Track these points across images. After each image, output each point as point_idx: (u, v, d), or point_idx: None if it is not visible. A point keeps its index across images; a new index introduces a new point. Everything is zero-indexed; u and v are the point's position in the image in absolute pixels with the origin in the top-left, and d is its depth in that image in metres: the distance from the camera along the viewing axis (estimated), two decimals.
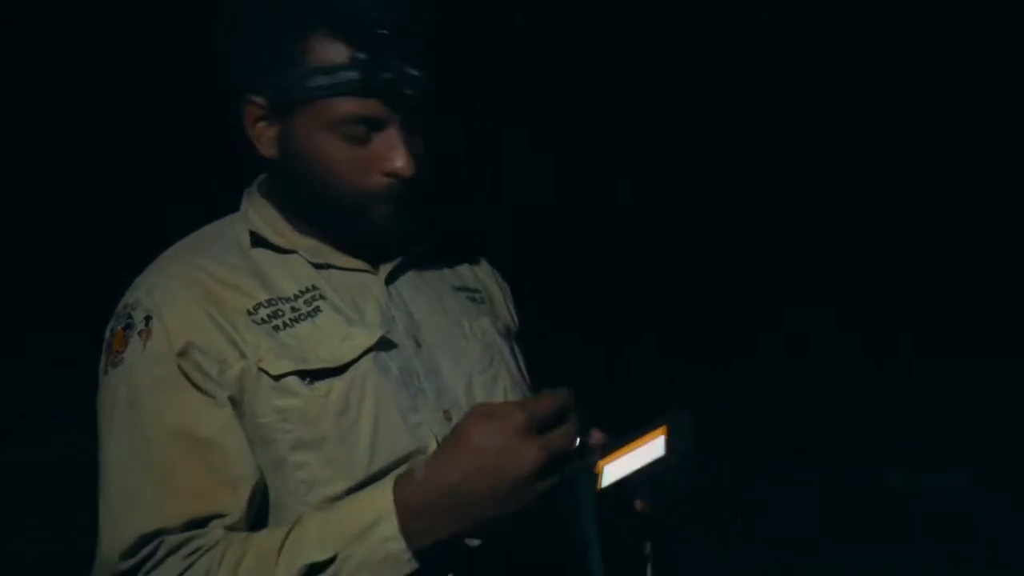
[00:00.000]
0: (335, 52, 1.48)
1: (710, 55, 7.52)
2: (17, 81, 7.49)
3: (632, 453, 1.46)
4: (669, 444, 1.43)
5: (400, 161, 1.52)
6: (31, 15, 7.35)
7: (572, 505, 1.38)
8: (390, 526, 1.36)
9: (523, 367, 1.73)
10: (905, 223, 7.57)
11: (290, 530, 1.41)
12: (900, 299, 7.52)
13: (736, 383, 6.73)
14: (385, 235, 1.58)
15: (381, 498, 1.38)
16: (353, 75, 1.48)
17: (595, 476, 1.40)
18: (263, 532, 1.44)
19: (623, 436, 1.51)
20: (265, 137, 1.57)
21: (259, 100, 1.55)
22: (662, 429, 1.45)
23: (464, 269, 1.77)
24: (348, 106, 1.50)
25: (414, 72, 1.49)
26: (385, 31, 1.47)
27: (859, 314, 7.48)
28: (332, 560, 1.37)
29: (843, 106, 7.59)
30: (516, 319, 1.81)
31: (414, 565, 1.36)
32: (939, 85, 7.41)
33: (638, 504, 1.43)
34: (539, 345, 1.80)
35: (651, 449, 1.45)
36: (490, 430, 1.35)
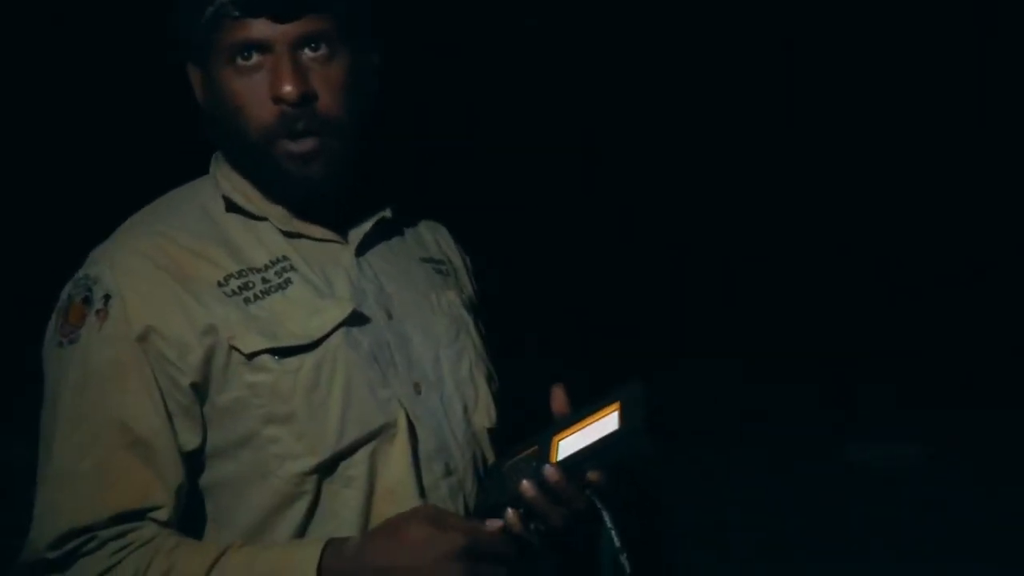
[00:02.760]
0: None
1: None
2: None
3: (586, 428, 1.48)
4: (622, 417, 1.44)
5: (286, 84, 1.50)
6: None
7: None
8: None
9: (485, 340, 1.73)
10: (854, 207, 7.61)
11: (214, 563, 1.42)
12: (857, 279, 7.57)
13: (690, 356, 6.76)
14: (295, 177, 1.54)
15: (308, 563, 1.41)
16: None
17: None
18: (191, 550, 1.45)
19: (578, 411, 1.52)
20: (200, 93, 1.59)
21: (192, 59, 1.58)
22: (616, 404, 1.47)
23: (430, 240, 1.76)
24: (234, 32, 1.50)
25: None
26: None
27: (814, 292, 7.53)
28: None
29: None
30: (477, 291, 1.80)
31: None
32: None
33: (591, 475, 1.44)
34: (500, 322, 1.81)
35: (605, 423, 1.46)
36: (430, 537, 1.39)
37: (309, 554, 1.41)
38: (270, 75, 1.51)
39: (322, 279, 1.57)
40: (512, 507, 1.44)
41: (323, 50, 1.52)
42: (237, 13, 1.49)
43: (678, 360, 6.46)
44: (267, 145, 1.52)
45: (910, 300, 7.34)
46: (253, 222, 1.59)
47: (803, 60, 7.52)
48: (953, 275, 7.38)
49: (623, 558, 1.42)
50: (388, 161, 1.76)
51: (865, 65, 7.53)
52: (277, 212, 1.59)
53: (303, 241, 1.59)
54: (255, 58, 1.51)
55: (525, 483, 1.44)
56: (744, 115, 7.62)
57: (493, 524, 1.44)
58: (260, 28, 1.50)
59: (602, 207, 7.42)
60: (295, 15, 1.50)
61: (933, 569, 4.75)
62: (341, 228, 1.62)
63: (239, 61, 1.51)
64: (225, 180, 1.60)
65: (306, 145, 1.52)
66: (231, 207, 1.59)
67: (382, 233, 1.66)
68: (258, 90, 1.51)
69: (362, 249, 1.63)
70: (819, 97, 7.64)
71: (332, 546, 1.42)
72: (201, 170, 1.66)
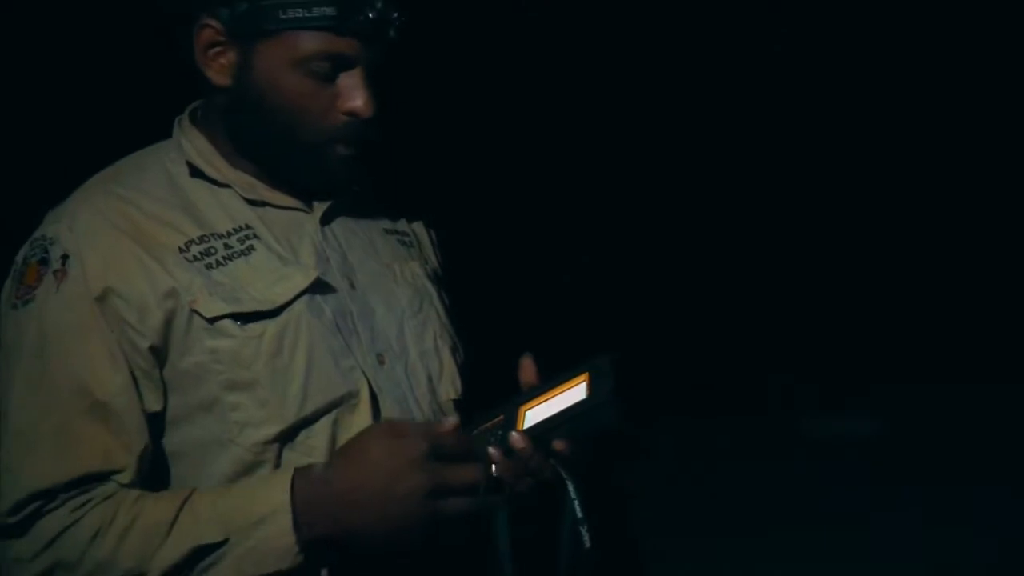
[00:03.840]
0: None
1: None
2: None
3: (553, 398, 1.47)
4: (590, 388, 1.43)
5: (361, 101, 1.51)
6: None
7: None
8: (285, 520, 1.39)
9: (449, 311, 1.72)
10: (812, 191, 7.61)
11: (182, 504, 1.41)
12: (810, 250, 7.58)
13: (647, 331, 6.75)
14: (338, 177, 1.57)
15: (279, 490, 1.41)
16: (329, 11, 1.46)
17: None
18: (155, 498, 1.44)
19: (546, 382, 1.51)
20: (218, 64, 1.52)
21: (215, 24, 1.50)
22: (584, 375, 1.46)
23: (394, 212, 1.75)
24: (318, 42, 1.48)
25: (392, 15, 1.50)
26: None
27: (767, 267, 7.53)
28: (223, 543, 1.39)
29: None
30: (441, 263, 1.80)
31: (300, 559, 1.40)
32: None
33: (557, 444, 1.42)
34: (465, 292, 1.80)
35: (572, 394, 1.46)
36: (389, 448, 1.39)
37: (281, 483, 1.41)
38: (346, 90, 1.51)
39: (286, 247, 1.56)
40: None
41: (386, 71, 1.54)
42: (335, 26, 1.47)
43: (656, 347, 6.46)
44: (323, 147, 1.53)
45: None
46: (217, 188, 1.57)
47: (801, 49, 7.53)
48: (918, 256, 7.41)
49: (583, 529, 1.40)
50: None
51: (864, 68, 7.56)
52: (241, 180, 1.57)
53: (267, 209, 1.58)
54: (330, 68, 1.50)
55: (491, 450, 1.43)
56: (742, 116, 7.64)
57: (449, 422, 1.44)
58: (350, 45, 1.49)
59: (600, 200, 7.44)
60: (383, 39, 1.51)
61: (933, 568, 4.73)
62: (305, 197, 1.61)
63: (313, 66, 1.49)
64: (190, 145, 1.58)
65: (357, 150, 1.55)
66: (195, 172, 1.57)
67: (346, 204, 1.65)
68: (325, 96, 1.51)
69: (327, 218, 1.62)
70: (814, 95, 7.66)
71: (301, 472, 1.42)
72: (163, 133, 1.63)
